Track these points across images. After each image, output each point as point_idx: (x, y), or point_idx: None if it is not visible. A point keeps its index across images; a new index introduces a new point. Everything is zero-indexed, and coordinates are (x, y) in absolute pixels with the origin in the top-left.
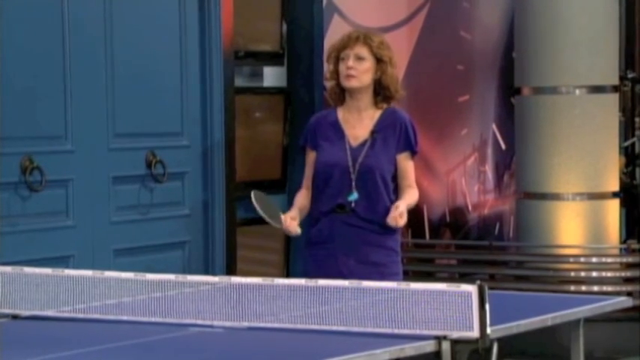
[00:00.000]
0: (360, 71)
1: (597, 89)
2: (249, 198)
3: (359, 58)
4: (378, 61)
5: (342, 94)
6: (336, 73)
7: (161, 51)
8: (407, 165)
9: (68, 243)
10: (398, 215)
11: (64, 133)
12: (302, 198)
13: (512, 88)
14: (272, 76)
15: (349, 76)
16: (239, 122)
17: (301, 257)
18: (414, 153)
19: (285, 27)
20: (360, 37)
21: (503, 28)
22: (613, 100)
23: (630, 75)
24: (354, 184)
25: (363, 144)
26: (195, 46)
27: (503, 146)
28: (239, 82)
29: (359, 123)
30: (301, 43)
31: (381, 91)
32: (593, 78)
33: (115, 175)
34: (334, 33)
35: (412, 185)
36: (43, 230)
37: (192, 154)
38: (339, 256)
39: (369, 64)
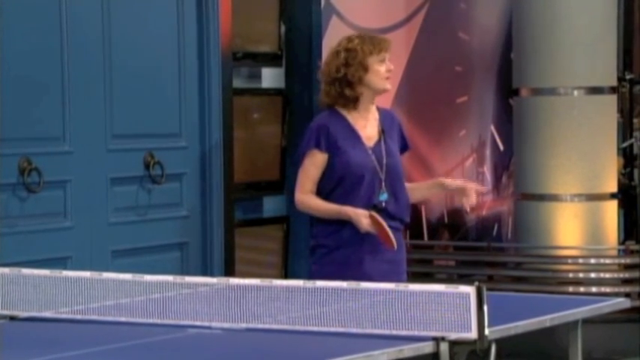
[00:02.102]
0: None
1: (595, 90)
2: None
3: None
4: None
5: (355, 97)
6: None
7: (159, 52)
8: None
9: (66, 244)
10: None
11: (62, 134)
12: (320, 200)
13: (510, 89)
14: (270, 77)
15: (389, 79)
16: (237, 123)
17: (305, 260)
18: (407, 150)
19: (283, 28)
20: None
21: (501, 29)
22: (611, 101)
23: (628, 76)
24: (383, 184)
25: (378, 144)
26: (194, 47)
27: (501, 147)
28: (237, 83)
29: (368, 123)
30: (299, 44)
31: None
32: (592, 79)
33: (113, 176)
34: (332, 34)
35: None
36: (41, 231)
37: (191, 156)
38: (364, 257)
39: None
